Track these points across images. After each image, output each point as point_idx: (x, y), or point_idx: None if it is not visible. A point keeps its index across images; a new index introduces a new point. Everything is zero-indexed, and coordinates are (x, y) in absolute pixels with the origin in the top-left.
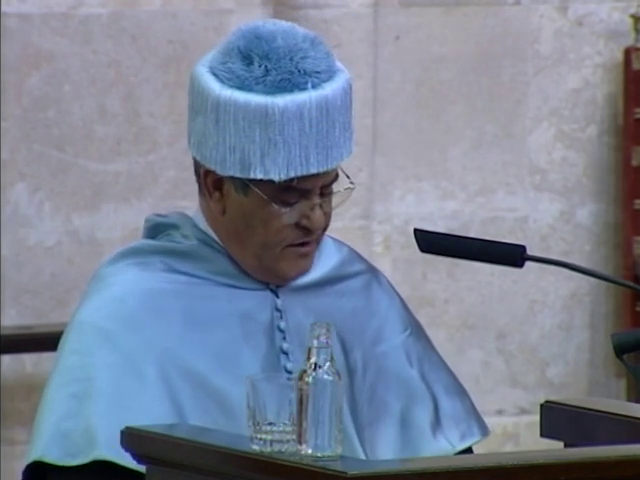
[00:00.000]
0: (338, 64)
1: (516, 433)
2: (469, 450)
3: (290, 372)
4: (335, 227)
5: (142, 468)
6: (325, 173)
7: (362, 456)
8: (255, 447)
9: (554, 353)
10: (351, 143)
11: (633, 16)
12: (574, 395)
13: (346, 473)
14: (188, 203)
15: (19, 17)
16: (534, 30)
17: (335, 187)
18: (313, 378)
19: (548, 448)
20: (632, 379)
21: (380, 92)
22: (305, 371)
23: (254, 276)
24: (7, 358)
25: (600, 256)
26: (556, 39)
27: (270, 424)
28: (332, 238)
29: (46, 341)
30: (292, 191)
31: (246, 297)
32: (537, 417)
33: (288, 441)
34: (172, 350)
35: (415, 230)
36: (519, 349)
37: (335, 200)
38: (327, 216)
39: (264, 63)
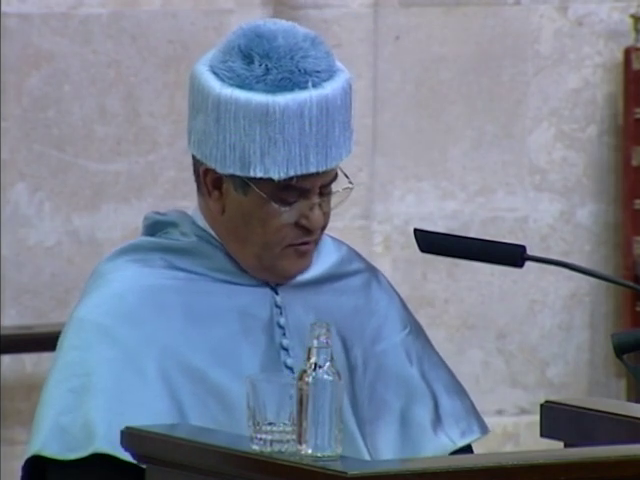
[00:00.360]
0: (338, 64)
1: (516, 433)
2: (469, 448)
3: (290, 368)
4: (335, 227)
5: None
6: (324, 172)
7: (364, 451)
8: (255, 447)
9: (554, 353)
10: (351, 143)
11: (633, 16)
12: (574, 395)
13: (346, 473)
14: (188, 203)
15: (19, 17)
16: (534, 30)
17: (334, 187)
18: (313, 378)
19: (548, 448)
20: (632, 379)
21: (380, 92)
22: (305, 371)
23: (253, 274)
24: (7, 358)
25: (600, 256)
26: (556, 39)
27: (270, 424)
28: (331, 237)
29: (46, 341)
30: (291, 190)
31: (245, 293)
32: (537, 417)
33: (288, 441)
34: (172, 346)
35: (415, 230)
36: (519, 349)
37: (334, 200)
38: (326, 216)
39: (264, 62)
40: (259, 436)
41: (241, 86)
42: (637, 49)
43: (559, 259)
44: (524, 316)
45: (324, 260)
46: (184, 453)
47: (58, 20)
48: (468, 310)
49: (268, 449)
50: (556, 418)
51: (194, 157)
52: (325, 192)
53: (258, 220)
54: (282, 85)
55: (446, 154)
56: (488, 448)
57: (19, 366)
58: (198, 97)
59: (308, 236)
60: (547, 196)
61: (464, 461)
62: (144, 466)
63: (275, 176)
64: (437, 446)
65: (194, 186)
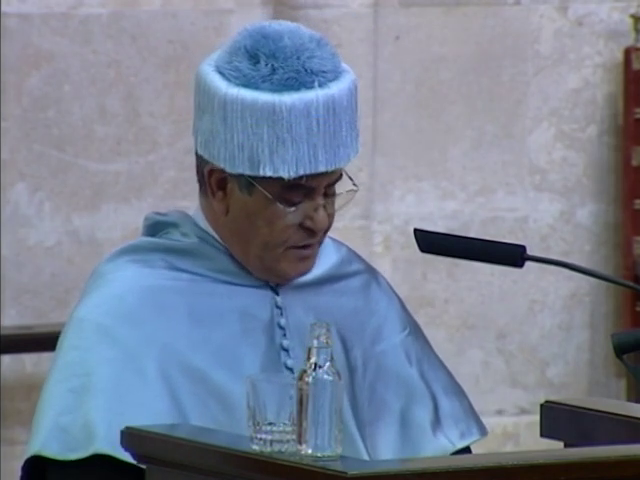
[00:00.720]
0: (344, 65)
1: (516, 433)
2: (468, 449)
3: (290, 369)
4: (335, 227)
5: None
6: (332, 172)
7: (364, 452)
8: (255, 447)
9: (554, 353)
10: (357, 143)
11: (633, 16)
12: (574, 395)
13: (346, 473)
14: (188, 203)
15: (19, 17)
16: (534, 30)
17: (337, 189)
18: (313, 378)
19: (548, 448)
20: (632, 379)
21: (380, 92)
22: (305, 371)
23: (255, 274)
24: (7, 358)
25: (600, 256)
26: (556, 39)
27: (270, 424)
28: (331, 238)
29: (46, 341)
30: (297, 190)
31: (246, 294)
32: (537, 417)
33: (288, 441)
34: (172, 346)
35: (415, 230)
36: (519, 349)
37: (338, 202)
38: (330, 217)
39: (271, 62)
40: (259, 436)
41: (247, 85)
42: (637, 49)
43: (559, 259)
44: (524, 316)
45: (324, 261)
46: (184, 453)
47: (58, 20)
48: (468, 310)
49: (268, 449)
50: (556, 418)
51: (198, 158)
52: (329, 193)
53: (263, 221)
54: (288, 84)
55: (446, 154)
56: (488, 448)
57: (19, 366)
58: (204, 97)
59: (311, 238)
60: (547, 196)
61: (464, 461)
62: (144, 466)
63: (285, 175)
64: (436, 447)
65: (194, 186)
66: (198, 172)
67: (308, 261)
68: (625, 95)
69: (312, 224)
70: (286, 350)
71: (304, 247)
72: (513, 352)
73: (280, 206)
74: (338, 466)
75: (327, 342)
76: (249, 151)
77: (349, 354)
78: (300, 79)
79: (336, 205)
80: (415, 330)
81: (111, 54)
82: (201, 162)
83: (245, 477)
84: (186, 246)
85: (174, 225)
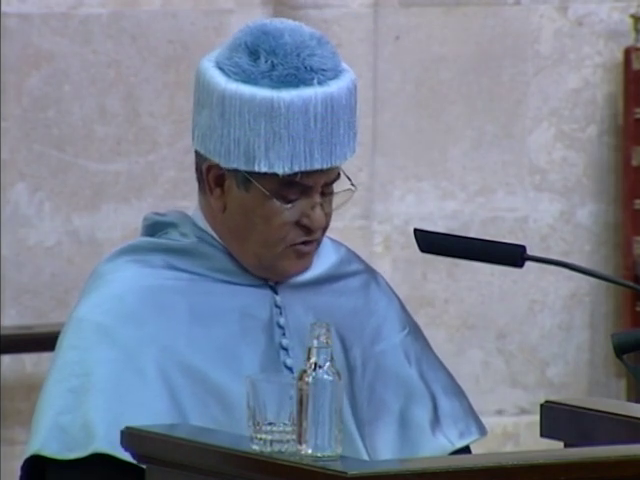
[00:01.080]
0: (344, 64)
1: (516, 433)
2: (467, 449)
3: (290, 368)
4: (335, 227)
5: None
6: (328, 170)
7: (363, 452)
8: (255, 447)
9: (554, 353)
10: (355, 143)
11: (633, 16)
12: (574, 395)
13: (346, 473)
14: (188, 203)
15: (19, 17)
16: (534, 30)
17: (336, 188)
18: (313, 378)
19: (548, 448)
20: (632, 379)
21: (380, 92)
22: (305, 371)
23: (253, 272)
24: (7, 358)
25: (600, 256)
26: (556, 39)
27: (270, 424)
28: (330, 238)
29: (46, 341)
30: (294, 187)
31: (245, 294)
32: (537, 417)
33: (288, 441)
34: (172, 346)
35: (415, 230)
36: (519, 349)
37: (336, 201)
38: (327, 216)
39: (271, 58)
40: (259, 436)
41: (246, 81)
42: (637, 49)
43: (559, 259)
44: (524, 316)
45: (323, 261)
46: (184, 453)
47: (58, 20)
48: (468, 310)
49: (268, 449)
50: (556, 418)
51: (197, 154)
52: (327, 192)
53: (260, 217)
54: (287, 81)
55: (446, 154)
56: (488, 448)
57: (19, 366)
58: (203, 92)
59: (309, 236)
60: (547, 196)
61: (464, 461)
62: (144, 466)
63: (280, 171)
64: (435, 447)
65: (194, 186)
66: (197, 169)
67: (307, 259)
68: (625, 95)
69: (309, 222)
70: (285, 349)
71: (303, 243)
72: (513, 352)
73: (277, 203)
74: (338, 466)
75: (327, 342)
76: (245, 146)
77: (348, 354)
78: (299, 76)
79: (334, 204)
80: (414, 330)
81: (111, 54)
82: (200, 159)
83: (245, 477)
84: (185, 246)
85: (173, 225)
